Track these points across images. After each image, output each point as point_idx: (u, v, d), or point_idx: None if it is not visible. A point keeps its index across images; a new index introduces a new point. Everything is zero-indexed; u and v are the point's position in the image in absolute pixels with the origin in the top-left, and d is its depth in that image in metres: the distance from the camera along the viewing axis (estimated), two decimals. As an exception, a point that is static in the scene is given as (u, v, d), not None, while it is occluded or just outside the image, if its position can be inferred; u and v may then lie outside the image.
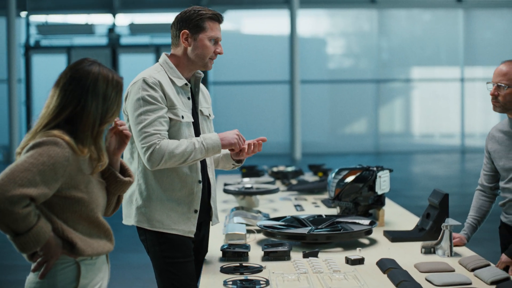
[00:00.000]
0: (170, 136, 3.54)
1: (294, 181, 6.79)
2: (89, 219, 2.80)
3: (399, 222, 4.73)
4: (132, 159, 3.61)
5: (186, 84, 3.68)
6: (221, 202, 5.69)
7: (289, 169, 7.16)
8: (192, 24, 3.63)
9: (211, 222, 3.81)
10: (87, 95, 2.76)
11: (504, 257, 3.67)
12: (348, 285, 3.16)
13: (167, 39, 21.32)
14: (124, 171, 3.00)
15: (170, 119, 3.55)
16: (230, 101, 21.94)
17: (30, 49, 21.56)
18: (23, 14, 21.85)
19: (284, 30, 21.27)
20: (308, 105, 21.85)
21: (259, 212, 4.97)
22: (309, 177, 7.02)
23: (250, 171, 7.12)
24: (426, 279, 3.23)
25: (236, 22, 22.75)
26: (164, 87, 3.56)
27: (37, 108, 21.68)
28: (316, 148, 21.62)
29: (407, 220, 4.75)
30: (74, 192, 2.73)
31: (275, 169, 7.20)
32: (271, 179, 6.29)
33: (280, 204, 5.59)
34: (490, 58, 21.61)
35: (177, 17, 3.70)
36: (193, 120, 3.68)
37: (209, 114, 3.88)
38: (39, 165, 2.59)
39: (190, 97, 3.72)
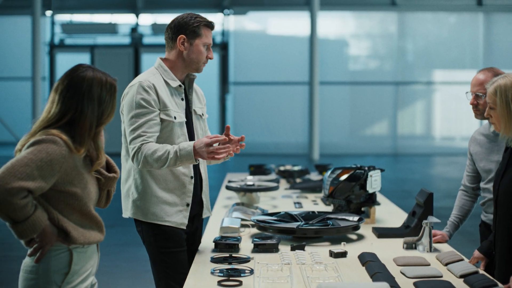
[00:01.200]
0: (164, 136, 3.81)
1: (299, 180, 7.00)
2: (82, 212, 3.06)
3: (391, 219, 4.93)
4: (128, 156, 3.86)
5: (180, 85, 3.93)
6: (224, 199, 5.93)
7: (295, 168, 7.36)
8: (189, 29, 3.90)
9: (202, 214, 4.07)
10: (83, 101, 3.03)
11: (476, 252, 3.88)
12: (326, 275, 3.38)
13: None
14: (110, 167, 3.25)
15: (163, 120, 3.81)
16: (250, 102, 22.16)
17: (54, 48, 21.96)
18: (48, 13, 22.24)
19: (305, 32, 21.44)
20: (328, 106, 22.01)
21: (258, 208, 5.21)
22: (314, 176, 7.23)
23: (258, 170, 7.34)
24: (401, 272, 3.45)
25: (257, 23, 22.98)
26: (158, 90, 3.82)
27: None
28: (335, 149, 21.77)
29: (399, 218, 4.94)
30: (69, 186, 3.00)
31: (281, 168, 7.41)
32: (274, 177, 6.51)
33: (281, 202, 5.81)
34: (511, 61, 21.64)
35: (173, 21, 3.96)
36: (186, 120, 3.92)
37: (202, 114, 4.12)
38: (37, 161, 2.86)
39: (184, 98, 3.96)
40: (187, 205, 3.91)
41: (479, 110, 4.07)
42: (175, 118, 3.86)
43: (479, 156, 4.17)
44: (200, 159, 3.83)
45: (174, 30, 3.94)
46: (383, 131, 22.90)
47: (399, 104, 22.62)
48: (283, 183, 6.92)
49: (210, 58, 4.00)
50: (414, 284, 3.21)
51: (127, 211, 3.94)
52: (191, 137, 3.96)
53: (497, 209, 3.55)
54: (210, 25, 3.96)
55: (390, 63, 22.73)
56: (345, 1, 22.26)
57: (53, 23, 22.30)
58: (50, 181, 2.91)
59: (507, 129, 3.41)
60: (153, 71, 3.96)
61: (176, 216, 3.88)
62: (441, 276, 3.36)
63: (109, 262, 7.65)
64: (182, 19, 3.94)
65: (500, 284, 3.17)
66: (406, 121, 22.87)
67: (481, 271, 3.42)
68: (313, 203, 5.70)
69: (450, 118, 22.96)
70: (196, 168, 3.98)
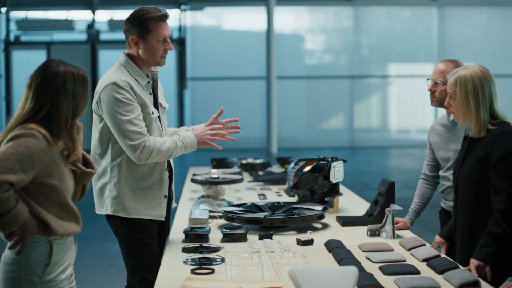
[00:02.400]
0: None
1: (261, 173, 7.11)
2: (60, 204, 3.14)
3: (353, 209, 5.08)
4: (105, 154, 3.93)
5: (148, 81, 4.01)
6: (190, 192, 6.02)
7: (257, 161, 7.48)
8: (138, 28, 3.91)
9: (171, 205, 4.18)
10: (59, 95, 3.11)
11: (437, 237, 4.05)
12: (295, 261, 3.51)
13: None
14: (87, 163, 3.33)
15: (143, 116, 3.88)
16: (208, 97, 22.22)
17: (10, 45, 21.76)
18: (3, 9, 22.03)
19: (261, 27, 21.56)
20: (285, 101, 22.18)
21: (224, 200, 5.32)
22: (276, 169, 7.35)
23: (221, 163, 7.45)
24: (366, 257, 3.59)
25: (214, 19, 23.04)
26: (134, 88, 3.88)
27: (17, 103, 21.76)
28: (293, 143, 21.94)
29: (361, 208, 5.08)
30: (48, 179, 3.08)
31: (244, 161, 7.52)
32: (238, 170, 6.62)
33: (245, 194, 5.93)
34: (464, 55, 22.02)
35: (125, 21, 3.96)
36: (159, 114, 4.02)
37: (164, 106, 4.21)
38: (18, 155, 2.93)
39: (152, 92, 4.05)
40: (165, 196, 4.01)
41: (435, 97, 4.25)
42: (152, 113, 3.95)
43: (438, 145, 4.34)
44: None
45: (126, 31, 3.96)
46: (340, 125, 23.15)
47: (355, 97, 22.89)
48: (246, 176, 7.03)
49: (169, 49, 3.99)
50: (380, 268, 3.35)
51: (101, 208, 4.01)
52: (160, 130, 4.05)
53: (457, 195, 3.71)
54: (159, 18, 3.91)
55: (346, 57, 22.99)
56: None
57: (8, 20, 22.09)
58: (31, 174, 2.99)
59: (465, 118, 3.57)
60: (121, 69, 3.96)
61: (156, 209, 3.98)
62: (405, 260, 3.51)
63: (76, 257, 7.69)
64: (132, 18, 3.93)
65: (461, 266, 3.33)
66: (363, 114, 23.16)
67: (443, 255, 3.58)
68: (277, 195, 5.82)
69: (405, 111, 23.30)
70: (168, 161, 4.08)
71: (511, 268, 3.15)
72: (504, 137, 3.45)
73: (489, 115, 3.54)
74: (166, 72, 21.51)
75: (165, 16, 3.95)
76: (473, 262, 3.43)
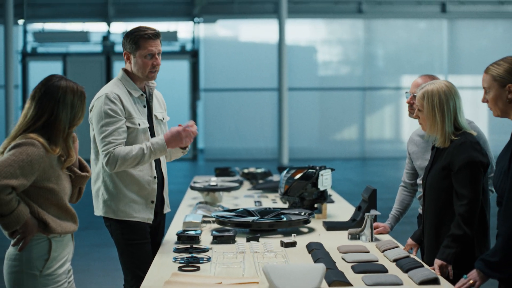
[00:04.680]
0: (129, 141, 4.25)
1: (261, 181, 7.40)
2: (58, 205, 3.51)
3: (342, 215, 5.35)
4: (97, 160, 4.30)
5: (142, 94, 4.35)
6: (190, 198, 6.33)
7: (259, 170, 7.77)
8: (129, 45, 4.31)
9: (164, 210, 4.51)
10: (59, 106, 3.49)
11: (409, 240, 4.33)
12: (275, 261, 3.80)
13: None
14: (82, 167, 3.69)
15: (128, 127, 4.24)
16: (220, 108, 22.57)
17: (27, 56, 22.26)
18: (21, 22, 22.52)
19: (273, 39, 21.88)
20: (297, 112, 22.47)
21: (220, 206, 5.62)
22: (276, 177, 7.62)
23: (223, 172, 7.75)
24: (342, 258, 3.87)
25: (227, 31, 23.39)
26: (123, 100, 4.26)
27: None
28: (304, 154, 22.20)
29: (349, 214, 5.35)
30: (47, 183, 3.45)
31: (245, 170, 7.81)
32: (238, 179, 6.91)
33: (243, 200, 6.22)
34: (475, 67, 22.23)
35: (122, 38, 4.38)
36: (148, 126, 4.35)
37: (163, 118, 4.54)
38: (19, 162, 3.31)
39: (146, 105, 4.38)
40: (152, 202, 4.35)
41: (413, 109, 4.51)
42: (139, 125, 4.29)
43: (416, 155, 4.62)
44: (162, 162, 4.37)
45: (122, 46, 4.37)
46: (351, 136, 23.38)
47: (367, 109, 23.12)
48: (247, 185, 7.33)
49: (157, 65, 4.33)
50: (352, 267, 3.64)
51: (98, 210, 4.38)
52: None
53: (424, 201, 4.00)
54: (148, 36, 4.27)
55: (358, 69, 23.24)
56: (313, 9, 22.74)
57: (25, 32, 22.59)
58: (31, 178, 3.35)
59: (431, 129, 3.86)
60: (117, 83, 4.36)
61: (143, 212, 4.32)
62: (377, 261, 3.79)
63: (83, 261, 8.02)
64: (126, 35, 4.34)
65: (426, 266, 3.61)
66: (375, 125, 23.37)
67: (412, 256, 3.86)
68: (272, 202, 6.11)
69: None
70: (158, 169, 4.42)
71: (471, 267, 3.41)
72: (465, 146, 3.74)
73: (453, 127, 3.83)
74: (180, 83, 21.91)
75: (154, 35, 4.31)
76: (437, 262, 3.71)
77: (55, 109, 3.48)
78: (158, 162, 4.44)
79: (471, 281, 3.30)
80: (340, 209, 5.68)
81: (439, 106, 3.82)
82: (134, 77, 4.37)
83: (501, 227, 3.25)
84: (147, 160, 4.21)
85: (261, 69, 22.69)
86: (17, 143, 3.38)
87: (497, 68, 3.44)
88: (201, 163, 21.04)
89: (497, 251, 3.25)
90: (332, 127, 23.30)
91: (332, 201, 6.02)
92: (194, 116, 22.29)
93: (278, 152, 20.88)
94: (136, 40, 4.28)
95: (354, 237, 4.43)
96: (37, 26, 23.18)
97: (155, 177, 4.37)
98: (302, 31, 23.07)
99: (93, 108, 4.27)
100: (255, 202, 6.04)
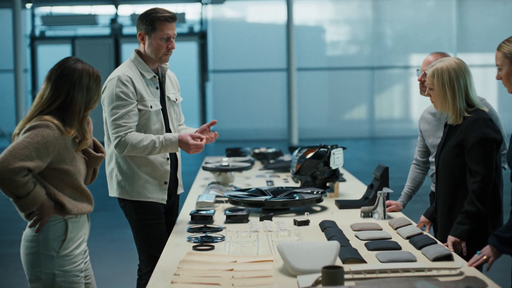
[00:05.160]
0: (141, 124, 4.27)
1: (272, 161, 7.42)
2: (73, 186, 3.53)
3: (354, 193, 5.38)
4: (110, 141, 4.30)
5: (154, 76, 4.36)
6: (202, 179, 6.35)
7: (270, 150, 7.79)
8: (145, 26, 4.30)
9: (177, 191, 4.53)
10: (74, 88, 3.49)
11: (422, 217, 4.34)
12: (289, 239, 3.83)
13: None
14: (97, 148, 3.70)
15: (140, 109, 4.26)
16: (229, 89, 22.59)
17: (35, 40, 22.27)
18: (28, 5, 22.53)
19: (282, 19, 21.80)
20: (306, 92, 22.45)
21: (232, 186, 5.65)
22: (288, 157, 7.64)
23: (234, 152, 7.77)
24: (355, 235, 3.90)
25: (235, 12, 23.34)
26: (135, 82, 4.27)
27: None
28: (314, 134, 22.17)
29: (362, 192, 5.36)
30: (62, 164, 3.46)
31: (256, 151, 7.83)
32: (247, 159, 6.94)
33: (255, 180, 6.25)
34: (484, 45, 22.16)
35: (138, 17, 4.36)
36: (161, 107, 4.36)
37: (176, 99, 4.55)
38: (34, 144, 3.32)
39: (158, 86, 4.39)
40: (165, 183, 4.37)
41: (424, 87, 4.50)
42: (151, 107, 4.30)
43: (428, 133, 4.62)
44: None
45: (137, 26, 4.36)
46: (361, 115, 23.35)
47: (376, 88, 23.07)
48: (258, 165, 7.35)
49: (172, 49, 4.35)
50: (365, 244, 3.66)
51: (112, 191, 4.40)
52: (166, 122, 4.41)
53: (437, 178, 4.01)
54: (165, 19, 4.28)
55: (367, 48, 23.17)
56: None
57: (33, 16, 22.59)
58: (46, 160, 3.36)
59: (443, 106, 3.86)
60: (130, 64, 4.37)
61: (157, 193, 4.34)
62: (390, 238, 3.81)
63: (96, 243, 8.07)
64: (142, 15, 4.33)
65: (439, 242, 3.62)
66: (384, 105, 23.33)
67: (425, 233, 3.88)
68: (284, 181, 6.13)
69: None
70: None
71: (484, 244, 3.42)
72: (478, 123, 3.74)
73: (466, 103, 3.83)
74: (188, 65, 21.91)
75: (172, 18, 4.31)
76: (450, 239, 3.72)
77: (71, 91, 3.48)
78: None
79: (484, 257, 3.31)
80: (352, 187, 5.70)
81: (449, 83, 3.82)
82: (146, 59, 4.37)
83: None
84: (156, 153, 4.23)
85: (269, 49, 22.65)
86: (32, 125, 3.38)
87: (509, 45, 3.45)
88: (211, 144, 21.03)
89: (510, 226, 3.26)
90: (341, 107, 23.26)
91: (344, 180, 6.04)
92: (203, 97, 22.30)
93: (287, 133, 20.89)
94: (153, 21, 4.27)
95: (366, 215, 4.45)
96: (45, 9, 23.16)
97: (167, 159, 4.39)
98: (310, 11, 22.99)
99: (105, 89, 4.28)
100: (267, 181, 6.06)
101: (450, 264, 3.21)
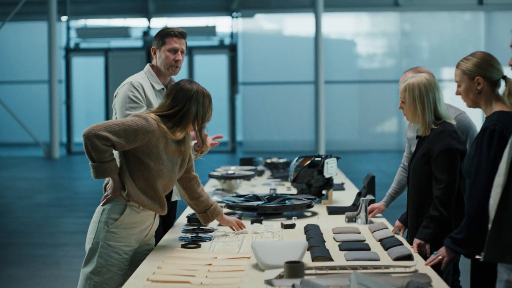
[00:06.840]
0: None
1: (282, 171, 7.76)
2: (148, 181, 3.93)
3: (348, 201, 5.68)
4: None
5: (163, 88, 4.76)
6: (210, 186, 6.71)
7: (281, 160, 8.13)
8: (157, 41, 4.80)
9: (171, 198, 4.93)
10: (191, 102, 4.00)
11: (397, 222, 4.66)
12: (270, 239, 4.16)
13: (198, 42, 22.43)
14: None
15: None
16: (258, 101, 22.97)
17: (70, 52, 22.90)
18: (64, 18, 23.19)
19: (311, 32, 22.15)
20: (336, 105, 22.73)
21: (236, 193, 6.01)
22: (297, 167, 7.98)
23: (247, 162, 8.12)
24: (333, 238, 4.22)
25: (264, 25, 23.75)
26: (145, 90, 4.67)
27: (77, 107, 22.96)
28: (342, 146, 22.43)
29: (356, 200, 5.70)
30: (145, 157, 3.89)
31: (268, 160, 8.17)
32: (254, 168, 7.28)
33: (259, 188, 6.59)
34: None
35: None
36: None
37: None
38: (126, 125, 3.80)
39: None
40: None
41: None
42: None
43: (412, 140, 4.94)
44: None
45: (151, 42, 4.80)
46: (390, 128, 23.55)
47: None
48: (268, 174, 7.69)
49: (178, 60, 4.77)
50: (339, 245, 3.99)
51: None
52: None
53: (408, 185, 4.33)
54: (174, 34, 4.74)
55: (396, 61, 23.38)
56: (349, 3, 22.98)
57: (68, 28, 23.25)
58: (131, 144, 3.80)
59: (413, 119, 4.18)
60: (142, 75, 4.81)
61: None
62: (364, 240, 4.13)
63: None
64: (156, 34, 4.82)
65: (406, 244, 3.94)
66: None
67: (397, 236, 4.19)
68: (287, 189, 6.46)
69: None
70: None
71: (446, 246, 3.73)
72: (443, 135, 4.05)
73: (434, 116, 4.14)
74: (219, 77, 22.35)
75: (181, 34, 4.78)
76: (416, 241, 4.03)
77: (188, 103, 3.96)
78: None
79: (440, 257, 3.64)
80: (351, 196, 5.98)
81: (420, 98, 4.14)
82: (158, 73, 4.81)
83: (466, 207, 3.57)
84: None
85: (298, 62, 23.00)
86: (135, 114, 3.94)
87: (466, 62, 3.77)
88: (239, 156, 21.43)
89: (462, 228, 3.57)
90: (371, 120, 23.49)
91: (342, 189, 6.35)
92: (232, 109, 22.71)
93: (315, 145, 21.18)
94: (163, 37, 4.74)
95: (350, 220, 4.77)
96: (79, 22, 23.87)
97: None
98: (338, 24, 23.32)
99: (117, 95, 4.70)
100: (271, 189, 6.38)
101: (406, 263, 3.51)
